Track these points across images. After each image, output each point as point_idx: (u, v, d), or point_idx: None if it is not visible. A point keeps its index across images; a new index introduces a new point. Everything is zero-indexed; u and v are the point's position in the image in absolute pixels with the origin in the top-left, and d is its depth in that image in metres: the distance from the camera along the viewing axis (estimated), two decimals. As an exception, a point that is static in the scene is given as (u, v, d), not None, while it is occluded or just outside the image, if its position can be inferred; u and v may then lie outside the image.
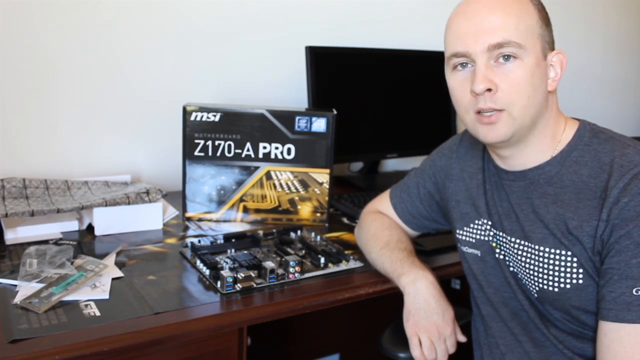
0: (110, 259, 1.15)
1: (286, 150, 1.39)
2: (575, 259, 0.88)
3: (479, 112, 0.89)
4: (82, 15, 1.46)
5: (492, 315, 1.05)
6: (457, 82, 0.92)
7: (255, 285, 1.07)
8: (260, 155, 1.39)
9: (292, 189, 1.42)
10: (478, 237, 1.04)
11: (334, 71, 1.68)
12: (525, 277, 0.96)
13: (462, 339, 1.05)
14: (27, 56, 1.43)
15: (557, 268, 0.90)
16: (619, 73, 2.64)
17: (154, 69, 1.59)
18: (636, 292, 0.81)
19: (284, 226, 1.37)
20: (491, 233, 1.02)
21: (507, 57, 0.87)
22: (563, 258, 0.89)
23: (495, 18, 0.87)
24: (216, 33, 1.65)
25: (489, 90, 0.87)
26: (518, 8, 0.88)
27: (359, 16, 1.85)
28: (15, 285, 1.02)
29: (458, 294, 1.51)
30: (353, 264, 1.19)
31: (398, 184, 1.25)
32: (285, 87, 1.77)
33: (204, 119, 1.36)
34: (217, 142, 1.38)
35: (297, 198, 1.43)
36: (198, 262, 1.14)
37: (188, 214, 1.42)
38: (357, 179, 1.86)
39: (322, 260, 1.17)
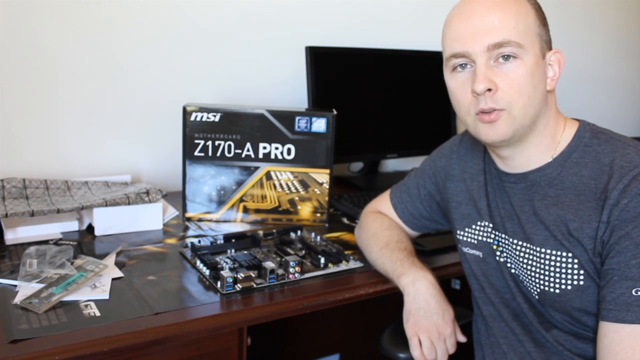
0: (110, 259, 1.15)
1: (286, 151, 1.39)
2: (576, 261, 0.88)
3: (480, 112, 0.89)
4: (82, 15, 1.46)
5: (493, 316, 1.05)
6: (457, 83, 0.92)
7: (255, 286, 1.07)
8: (260, 156, 1.39)
9: (292, 189, 1.42)
10: (480, 238, 1.04)
11: (334, 71, 1.68)
12: (527, 279, 0.96)
13: (462, 339, 1.05)
14: (27, 56, 1.43)
15: (558, 270, 0.90)
16: (619, 73, 2.64)
17: (154, 69, 1.59)
18: (636, 292, 0.81)
19: (284, 226, 1.37)
20: (492, 235, 1.02)
21: (506, 57, 0.87)
22: (564, 260, 0.89)
23: (493, 18, 0.87)
24: (216, 33, 1.65)
25: (490, 90, 0.87)
26: (516, 8, 0.88)
27: (359, 16, 1.85)
28: (15, 285, 1.02)
29: (458, 294, 1.51)
30: (353, 264, 1.19)
31: (398, 184, 1.25)
32: (285, 87, 1.77)
33: (204, 119, 1.36)
34: (217, 142, 1.38)
35: (297, 198, 1.43)
36: (198, 262, 1.14)
37: (188, 214, 1.42)
38: (357, 179, 1.86)
39: (322, 260, 1.17)
